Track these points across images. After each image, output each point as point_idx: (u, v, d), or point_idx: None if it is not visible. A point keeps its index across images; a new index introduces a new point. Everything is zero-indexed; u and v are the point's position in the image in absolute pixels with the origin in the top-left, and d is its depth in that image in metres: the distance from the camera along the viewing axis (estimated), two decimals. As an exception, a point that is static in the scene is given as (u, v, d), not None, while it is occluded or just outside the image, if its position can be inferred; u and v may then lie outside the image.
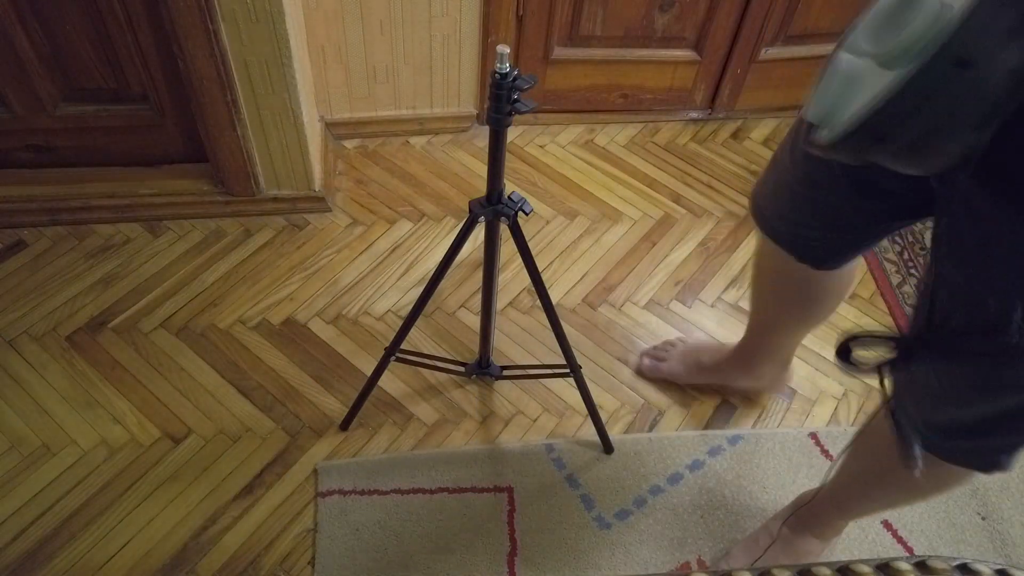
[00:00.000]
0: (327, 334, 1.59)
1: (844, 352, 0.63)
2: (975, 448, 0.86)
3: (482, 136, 2.00)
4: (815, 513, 1.24)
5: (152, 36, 1.50)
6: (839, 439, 1.49)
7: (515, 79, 0.89)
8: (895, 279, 1.78)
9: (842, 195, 0.88)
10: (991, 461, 0.86)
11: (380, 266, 1.72)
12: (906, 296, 1.74)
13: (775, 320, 1.29)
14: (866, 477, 1.08)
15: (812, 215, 0.95)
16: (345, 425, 1.45)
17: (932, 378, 0.82)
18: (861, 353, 0.64)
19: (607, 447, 1.44)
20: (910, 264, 1.79)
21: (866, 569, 0.48)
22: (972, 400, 0.79)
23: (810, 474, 1.44)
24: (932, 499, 1.04)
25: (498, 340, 1.59)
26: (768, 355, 1.42)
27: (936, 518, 1.40)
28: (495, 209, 1.06)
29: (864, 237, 0.96)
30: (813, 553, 1.28)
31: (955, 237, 0.71)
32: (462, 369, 1.42)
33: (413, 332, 1.57)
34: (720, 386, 1.53)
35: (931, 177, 0.72)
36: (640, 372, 1.55)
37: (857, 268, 1.12)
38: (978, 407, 0.79)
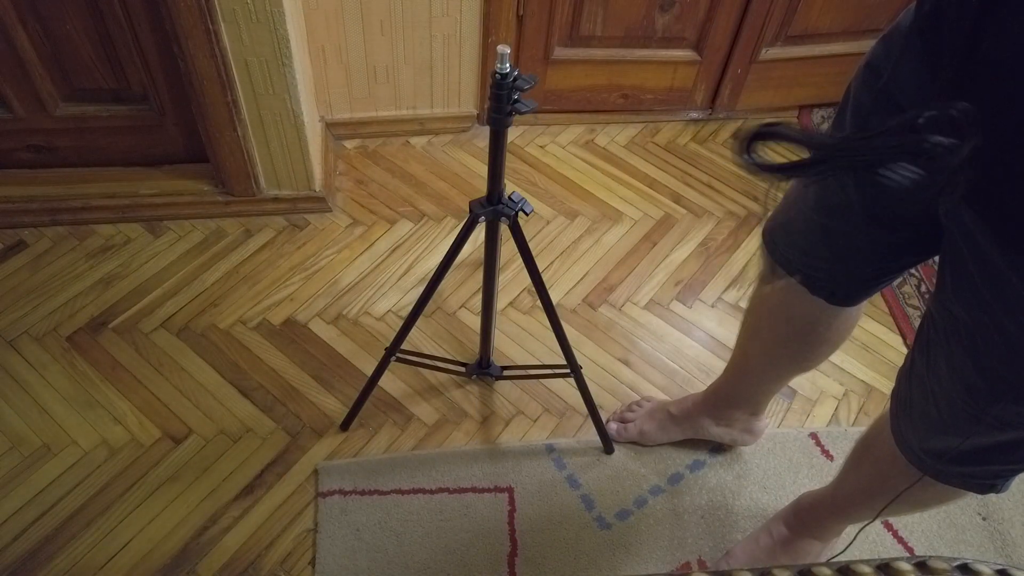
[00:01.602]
0: (327, 334, 1.59)
1: (749, 142, 0.56)
2: (971, 473, 0.86)
3: (482, 136, 2.00)
4: (816, 516, 1.24)
5: (152, 36, 1.50)
6: (839, 439, 1.49)
7: (515, 79, 0.89)
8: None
9: (855, 223, 0.86)
10: (987, 485, 0.87)
11: (380, 266, 1.72)
12: (906, 296, 1.74)
13: (765, 363, 1.21)
14: (868, 487, 1.07)
15: (825, 244, 0.93)
16: (345, 425, 1.45)
17: (932, 408, 0.82)
18: (766, 150, 0.59)
19: (607, 447, 1.44)
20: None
21: (866, 569, 0.48)
22: (969, 432, 0.79)
23: (810, 474, 1.44)
24: (934, 509, 1.04)
25: (498, 340, 1.59)
26: (744, 401, 1.35)
27: (936, 518, 1.40)
28: (495, 209, 1.06)
29: (878, 272, 0.93)
30: (813, 553, 1.28)
31: (961, 275, 0.71)
32: (462, 369, 1.42)
33: (413, 332, 1.57)
34: (690, 439, 1.45)
35: (940, 212, 0.71)
36: (611, 437, 1.46)
37: (861, 313, 1.08)
38: (975, 439, 0.80)
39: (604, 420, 1.44)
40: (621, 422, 1.48)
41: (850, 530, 1.30)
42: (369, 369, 1.52)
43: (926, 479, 0.91)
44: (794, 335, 1.10)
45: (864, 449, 1.08)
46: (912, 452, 0.90)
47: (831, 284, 0.97)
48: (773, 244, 1.01)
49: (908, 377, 0.87)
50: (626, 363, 1.59)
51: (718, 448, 1.46)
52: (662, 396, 1.54)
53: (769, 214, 1.04)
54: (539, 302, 1.22)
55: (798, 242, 0.97)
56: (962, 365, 0.75)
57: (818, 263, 0.96)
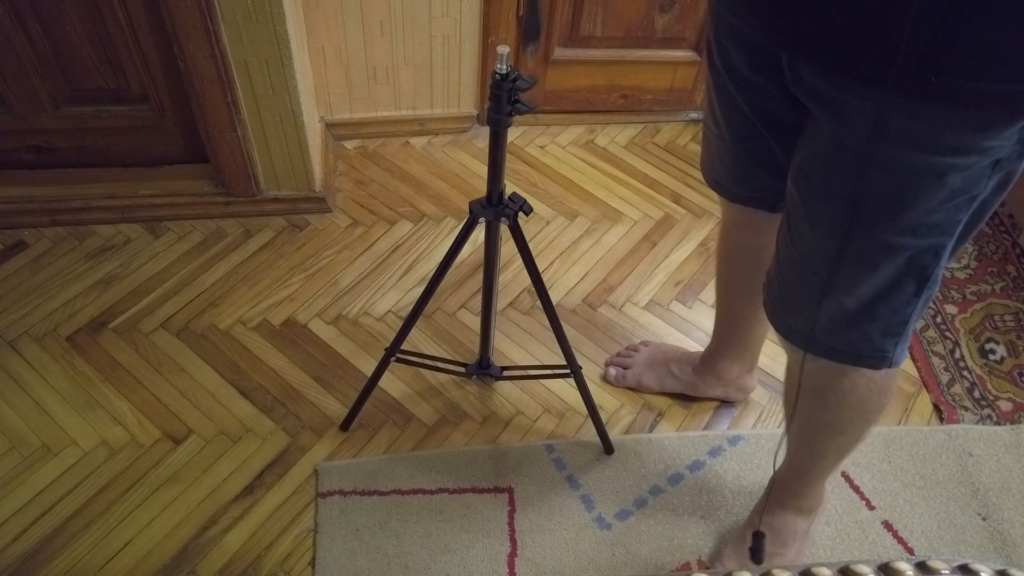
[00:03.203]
0: (327, 335, 1.59)
1: None
2: (859, 339, 0.91)
3: (482, 137, 2.00)
4: (786, 488, 1.26)
5: (152, 37, 1.51)
6: (839, 439, 1.49)
7: (515, 80, 0.89)
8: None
9: (765, 140, 0.95)
10: (878, 353, 0.91)
11: (380, 267, 1.72)
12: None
13: (745, 301, 1.29)
14: (808, 426, 1.11)
15: (757, 165, 1.01)
16: (345, 426, 1.45)
17: (808, 275, 0.88)
18: None
19: (607, 447, 1.44)
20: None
21: (866, 569, 0.48)
22: (848, 282, 0.85)
23: (810, 474, 1.44)
24: (867, 428, 1.07)
25: (498, 340, 1.59)
26: (736, 354, 1.42)
27: (936, 518, 1.40)
28: (495, 210, 1.06)
29: None
30: (801, 531, 1.29)
31: (815, 127, 0.79)
32: (462, 370, 1.42)
33: (413, 333, 1.57)
34: (687, 393, 1.52)
35: (796, 93, 0.79)
36: (608, 381, 1.54)
37: None
38: (856, 288, 0.85)
39: (604, 422, 1.45)
40: (620, 367, 1.53)
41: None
42: (369, 369, 1.52)
43: (825, 367, 0.96)
44: (764, 265, 1.14)
45: (788, 392, 1.13)
46: (802, 336, 0.94)
47: (778, 199, 1.04)
48: (719, 185, 1.11)
49: (777, 271, 0.95)
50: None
51: (718, 448, 1.46)
52: (658, 340, 1.61)
53: (700, 162, 1.14)
54: (539, 302, 1.22)
55: (735, 173, 1.06)
56: (821, 210, 0.82)
57: (759, 183, 1.04)
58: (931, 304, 1.71)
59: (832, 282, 0.86)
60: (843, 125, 0.74)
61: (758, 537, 1.18)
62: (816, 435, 1.11)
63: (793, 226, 0.88)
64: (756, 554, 1.18)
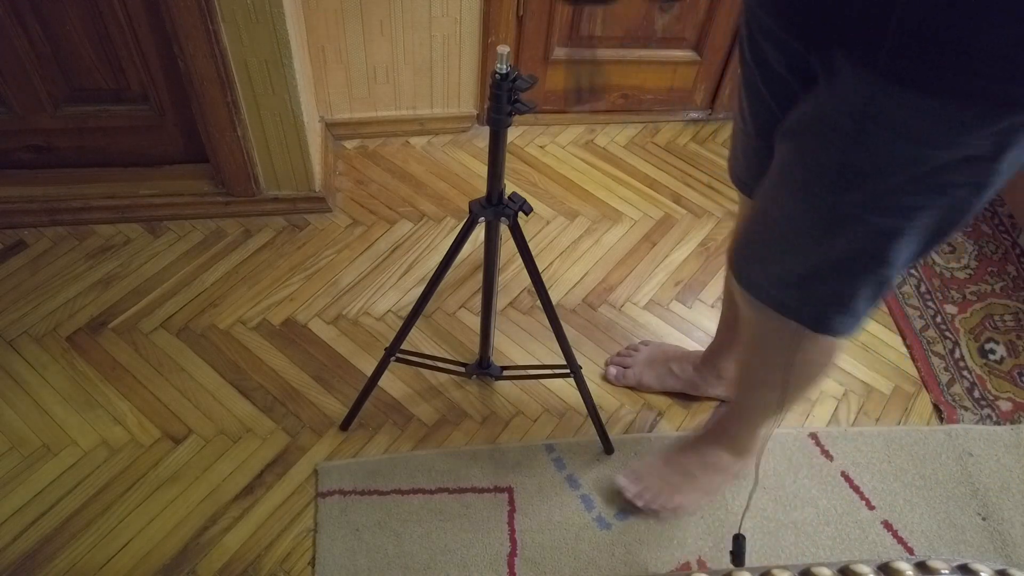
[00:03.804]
0: (327, 334, 1.59)
1: None
2: (806, 297, 0.93)
3: (482, 136, 2.00)
4: (723, 428, 1.32)
5: (152, 36, 1.51)
6: (839, 439, 1.49)
7: (515, 79, 0.89)
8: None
9: None
10: (820, 316, 0.94)
11: (380, 266, 1.72)
12: (906, 296, 1.74)
13: None
14: (746, 379, 1.15)
15: None
16: (345, 425, 1.45)
17: (778, 232, 0.91)
18: None
19: (607, 447, 1.44)
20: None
21: (866, 569, 0.48)
22: (805, 245, 0.88)
23: (810, 474, 1.44)
24: (808, 387, 1.09)
25: (498, 340, 1.59)
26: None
27: (936, 518, 1.40)
28: (495, 209, 1.06)
29: None
30: (725, 465, 1.33)
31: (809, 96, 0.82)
32: (462, 369, 1.42)
33: (413, 332, 1.57)
34: (687, 393, 1.53)
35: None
36: (608, 380, 1.55)
37: None
38: (811, 253, 0.88)
39: (604, 422, 1.45)
40: (620, 366, 1.54)
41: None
42: (369, 369, 1.52)
43: (772, 319, 0.98)
44: None
45: (746, 345, 1.15)
46: (759, 288, 0.97)
47: None
48: (740, 182, 1.12)
49: (751, 221, 0.98)
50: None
51: (718, 448, 1.46)
52: (658, 339, 1.62)
53: (728, 159, 1.16)
54: (539, 302, 1.22)
55: (757, 170, 1.06)
56: (794, 170, 0.85)
57: None
58: (931, 304, 1.72)
59: (792, 241, 0.90)
60: (835, 98, 0.77)
61: (738, 540, 1.19)
62: (757, 384, 1.14)
63: (768, 180, 0.92)
64: (738, 558, 1.19)
